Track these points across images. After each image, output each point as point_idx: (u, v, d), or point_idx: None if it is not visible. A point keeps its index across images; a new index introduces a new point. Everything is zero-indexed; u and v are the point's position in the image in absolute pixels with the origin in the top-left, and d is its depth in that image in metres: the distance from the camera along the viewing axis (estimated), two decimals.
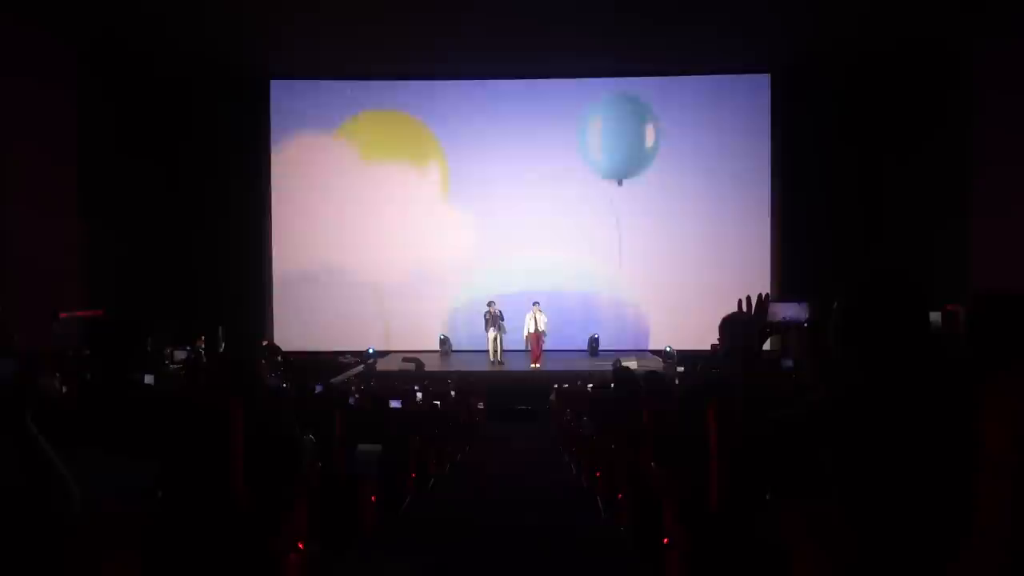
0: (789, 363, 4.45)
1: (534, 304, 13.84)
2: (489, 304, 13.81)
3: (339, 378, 12.23)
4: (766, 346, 2.17)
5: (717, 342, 3.00)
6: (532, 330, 13.70)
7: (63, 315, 10.34)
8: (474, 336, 14.62)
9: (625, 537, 4.32)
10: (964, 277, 11.11)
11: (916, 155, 12.73)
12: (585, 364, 14.00)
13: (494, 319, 13.74)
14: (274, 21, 12.36)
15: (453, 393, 10.36)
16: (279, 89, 15.51)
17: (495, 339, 13.80)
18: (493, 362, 13.86)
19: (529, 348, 13.88)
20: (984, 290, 2.14)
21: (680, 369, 10.64)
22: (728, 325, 2.97)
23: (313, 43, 13.48)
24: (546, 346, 14.13)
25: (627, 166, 15.40)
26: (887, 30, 12.19)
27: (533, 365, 13.75)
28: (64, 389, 3.71)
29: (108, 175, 12.23)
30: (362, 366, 13.70)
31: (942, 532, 1.49)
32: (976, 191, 11.26)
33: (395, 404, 6.28)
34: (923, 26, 11.84)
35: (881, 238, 13.36)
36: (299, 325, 15.34)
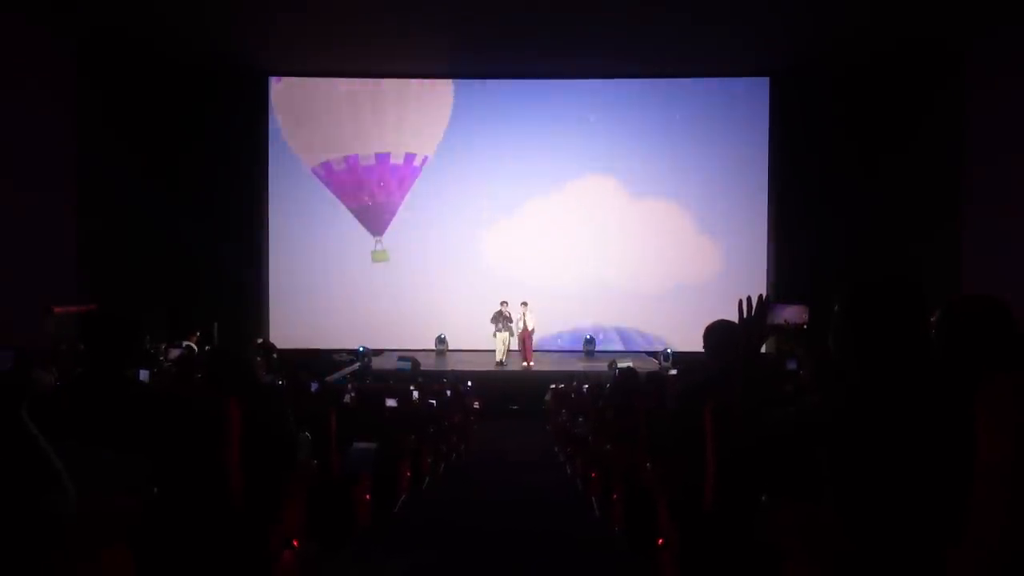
0: (792, 365, 4.45)
1: (522, 304, 13.91)
2: (502, 304, 13.86)
3: (335, 376, 12.21)
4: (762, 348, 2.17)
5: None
6: (521, 329, 13.81)
7: (58, 310, 10.30)
8: (471, 336, 14.63)
9: (619, 537, 4.33)
10: (959, 281, 11.15)
11: (912, 159, 12.76)
12: (581, 365, 14.02)
13: (505, 319, 13.79)
14: (273, 18, 12.34)
15: (448, 392, 10.35)
16: (277, 86, 15.49)
17: (505, 340, 13.86)
18: (499, 362, 13.88)
19: (519, 347, 13.98)
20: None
21: (672, 372, 10.64)
22: (711, 333, 3.00)
23: (312, 41, 13.46)
24: (543, 347, 14.17)
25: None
26: (884, 36, 12.22)
27: (525, 364, 13.81)
28: (58, 384, 3.70)
29: (105, 170, 12.18)
30: (358, 364, 13.68)
31: (936, 536, 1.49)
32: (970, 196, 11.30)
33: (390, 403, 6.27)
34: (918, 34, 11.87)
35: (877, 241, 13.38)
36: (295, 322, 15.31)
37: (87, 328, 2.26)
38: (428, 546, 4.41)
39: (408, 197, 15.61)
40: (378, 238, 15.35)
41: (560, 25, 12.38)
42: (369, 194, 15.54)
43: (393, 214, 15.61)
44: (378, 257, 15.40)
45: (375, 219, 15.58)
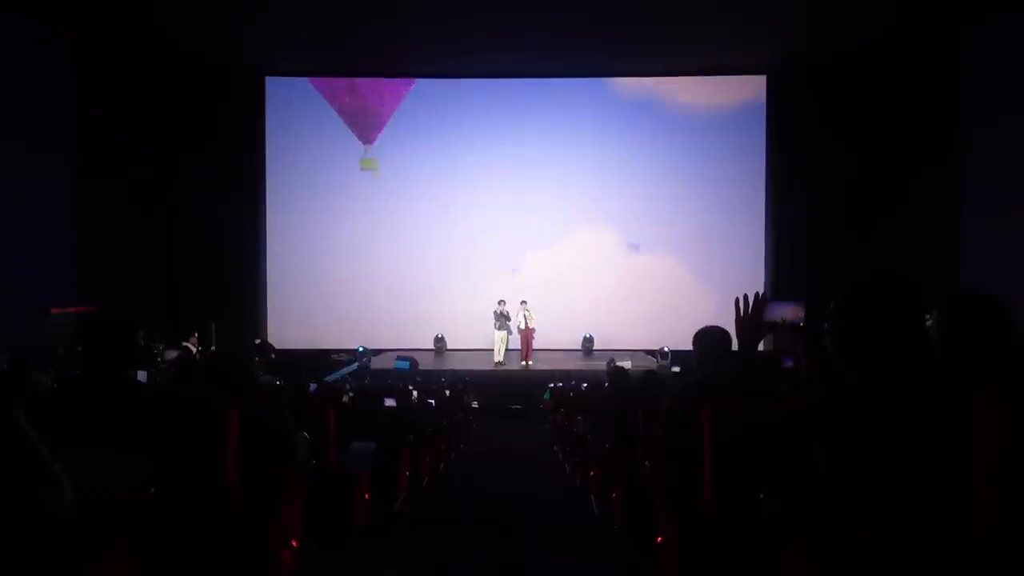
0: (789, 363, 4.46)
1: (522, 303, 13.91)
2: (499, 303, 13.86)
3: (333, 376, 12.22)
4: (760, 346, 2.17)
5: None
6: (522, 328, 13.83)
7: (55, 311, 10.29)
8: (470, 335, 14.61)
9: (618, 535, 4.33)
10: (958, 279, 11.16)
11: (910, 156, 12.77)
12: (579, 364, 14.03)
13: (503, 318, 13.80)
14: (270, 18, 12.33)
15: (447, 392, 10.36)
16: (275, 86, 15.49)
17: (503, 339, 13.85)
18: (497, 362, 13.87)
19: (519, 346, 13.98)
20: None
21: (675, 369, 10.66)
22: (702, 338, 3.01)
23: (310, 41, 13.46)
24: (541, 345, 14.17)
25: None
26: (881, 33, 12.22)
27: (524, 363, 13.82)
28: (55, 386, 3.69)
29: (103, 171, 12.17)
30: (356, 364, 13.68)
31: (934, 533, 1.49)
32: (969, 193, 11.31)
33: (389, 402, 6.27)
34: (917, 29, 11.88)
35: (875, 239, 13.39)
36: (294, 323, 15.31)
37: (85, 330, 2.26)
38: (427, 545, 4.41)
39: (400, 108, 15.51)
40: (367, 146, 15.32)
41: (557, 24, 12.38)
42: (361, 101, 15.49)
43: (384, 123, 15.52)
44: (367, 165, 15.39)
45: (366, 127, 15.52)
